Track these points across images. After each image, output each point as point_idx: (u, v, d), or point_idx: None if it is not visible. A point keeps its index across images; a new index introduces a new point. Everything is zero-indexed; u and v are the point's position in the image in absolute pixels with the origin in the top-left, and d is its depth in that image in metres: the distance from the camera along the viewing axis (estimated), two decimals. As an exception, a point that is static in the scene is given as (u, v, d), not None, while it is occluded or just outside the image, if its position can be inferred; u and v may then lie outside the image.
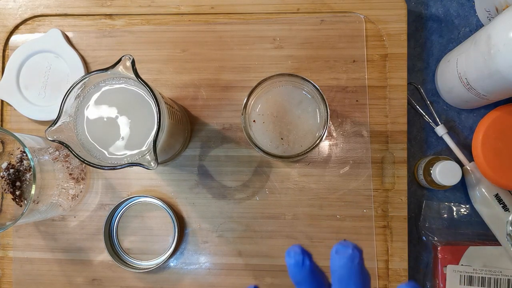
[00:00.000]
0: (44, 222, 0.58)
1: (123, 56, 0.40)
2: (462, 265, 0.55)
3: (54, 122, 0.41)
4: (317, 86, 0.44)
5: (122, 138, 0.43)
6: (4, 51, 0.59)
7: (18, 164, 0.55)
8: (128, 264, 0.56)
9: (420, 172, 0.56)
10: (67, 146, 0.41)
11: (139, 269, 0.56)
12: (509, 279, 0.54)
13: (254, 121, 0.47)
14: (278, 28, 0.57)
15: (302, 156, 0.45)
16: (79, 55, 0.58)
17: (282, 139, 0.46)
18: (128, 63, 0.40)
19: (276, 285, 0.56)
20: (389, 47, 0.56)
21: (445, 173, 0.53)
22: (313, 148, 0.44)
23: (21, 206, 0.55)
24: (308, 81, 0.44)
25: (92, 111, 0.43)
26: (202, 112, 0.57)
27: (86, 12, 0.59)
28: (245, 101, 0.45)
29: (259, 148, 0.45)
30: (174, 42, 0.58)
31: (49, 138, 0.41)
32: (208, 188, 0.57)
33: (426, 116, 0.58)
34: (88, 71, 0.58)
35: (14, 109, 0.58)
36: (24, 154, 0.55)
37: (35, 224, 0.58)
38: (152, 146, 0.40)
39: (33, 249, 0.58)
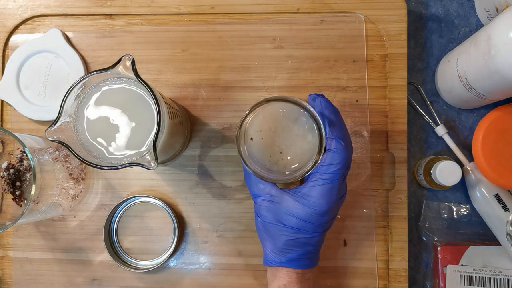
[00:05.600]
0: (44, 222, 0.58)
1: (123, 56, 0.40)
2: (462, 265, 0.55)
3: (54, 122, 0.41)
4: (315, 113, 0.42)
5: (122, 138, 0.43)
6: (4, 51, 0.59)
7: (18, 164, 0.55)
8: (128, 264, 0.56)
9: (420, 172, 0.56)
10: (67, 146, 0.41)
11: (139, 269, 0.56)
12: (509, 279, 0.54)
13: (251, 138, 0.45)
14: (278, 28, 0.57)
15: (298, 178, 0.43)
16: (79, 55, 0.58)
17: (281, 153, 0.45)
18: (128, 63, 0.40)
19: (276, 285, 0.56)
20: (389, 47, 0.56)
21: (445, 173, 0.53)
22: (308, 172, 0.42)
23: (21, 206, 0.55)
24: (304, 108, 0.42)
25: (92, 111, 0.43)
26: (202, 112, 0.57)
27: (86, 12, 0.59)
28: (239, 126, 0.43)
29: (253, 171, 0.43)
30: (174, 42, 0.58)
31: (49, 138, 0.41)
32: (208, 188, 0.57)
33: (426, 116, 0.58)
34: (88, 71, 0.58)
35: (14, 109, 0.58)
36: (24, 154, 0.55)
37: (35, 224, 0.58)
38: (152, 146, 0.40)
39: (33, 249, 0.58)
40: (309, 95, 0.45)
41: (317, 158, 0.42)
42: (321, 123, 0.42)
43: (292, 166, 0.45)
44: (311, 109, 0.42)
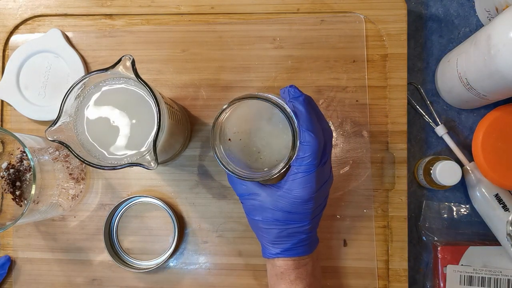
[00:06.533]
0: (44, 222, 0.58)
1: (123, 56, 0.40)
2: (462, 265, 0.55)
3: (54, 122, 0.41)
4: (286, 108, 0.41)
5: (122, 138, 0.43)
6: (4, 51, 0.59)
7: (18, 164, 0.55)
8: (128, 264, 0.56)
9: (420, 172, 0.56)
10: (67, 146, 0.41)
11: (139, 269, 0.56)
12: (509, 279, 0.54)
13: (229, 139, 0.45)
14: (278, 28, 0.57)
15: (274, 175, 0.43)
16: (79, 55, 0.58)
17: (259, 152, 0.45)
18: (128, 63, 0.40)
19: (276, 285, 0.56)
20: (389, 47, 0.56)
21: (445, 173, 0.53)
22: (284, 169, 0.42)
23: (21, 206, 0.55)
24: (276, 104, 0.41)
25: (92, 111, 0.43)
26: (202, 112, 0.57)
27: (86, 12, 0.59)
28: (212, 128, 0.43)
29: (231, 172, 0.43)
30: (174, 42, 0.58)
31: (49, 138, 0.41)
32: (208, 188, 0.57)
33: (426, 116, 0.58)
34: (88, 71, 0.58)
35: (14, 109, 0.58)
36: (24, 154, 0.55)
37: (35, 224, 0.58)
38: (152, 146, 0.40)
39: (33, 249, 0.58)
40: (281, 89, 0.45)
41: (291, 154, 0.42)
42: (294, 119, 0.41)
43: (270, 164, 0.45)
44: (283, 104, 0.42)
